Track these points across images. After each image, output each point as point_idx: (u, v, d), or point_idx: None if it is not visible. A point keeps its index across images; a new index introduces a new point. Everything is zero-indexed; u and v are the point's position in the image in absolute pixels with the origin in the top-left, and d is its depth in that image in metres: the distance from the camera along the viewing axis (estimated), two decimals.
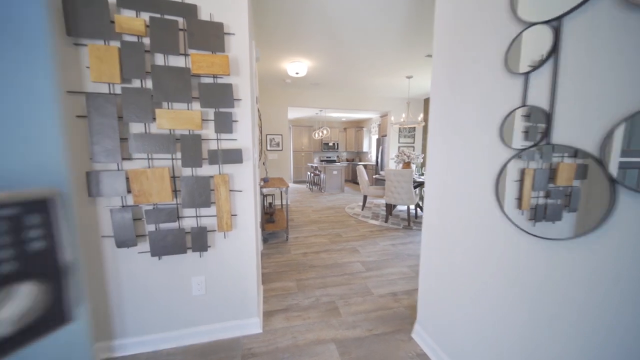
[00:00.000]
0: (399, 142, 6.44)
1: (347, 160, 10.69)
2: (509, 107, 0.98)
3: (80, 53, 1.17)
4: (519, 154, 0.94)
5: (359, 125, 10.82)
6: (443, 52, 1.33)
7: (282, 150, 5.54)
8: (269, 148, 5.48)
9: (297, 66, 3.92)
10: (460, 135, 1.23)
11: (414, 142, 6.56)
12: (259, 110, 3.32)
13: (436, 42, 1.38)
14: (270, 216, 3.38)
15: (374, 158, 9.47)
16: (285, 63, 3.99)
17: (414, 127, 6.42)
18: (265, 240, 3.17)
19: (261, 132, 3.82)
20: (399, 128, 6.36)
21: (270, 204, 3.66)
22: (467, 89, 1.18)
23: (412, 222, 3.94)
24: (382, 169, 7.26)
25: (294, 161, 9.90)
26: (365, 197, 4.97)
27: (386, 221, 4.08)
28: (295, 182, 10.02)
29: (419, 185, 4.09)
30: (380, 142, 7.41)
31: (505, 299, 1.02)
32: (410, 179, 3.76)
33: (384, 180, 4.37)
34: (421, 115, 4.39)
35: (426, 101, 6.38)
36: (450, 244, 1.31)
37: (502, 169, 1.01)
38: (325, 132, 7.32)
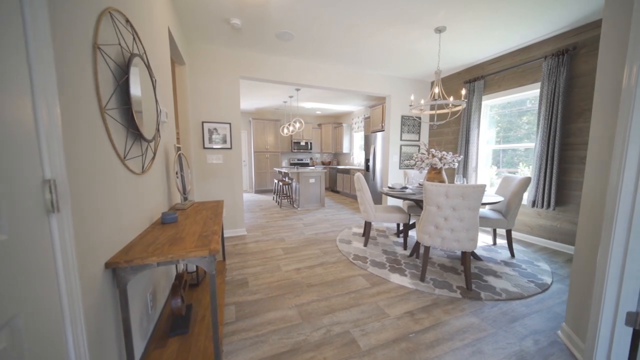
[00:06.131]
0: (401, 140, 4.71)
1: (323, 164, 8.78)
2: None
3: None
4: None
5: (337, 121, 8.98)
6: None
7: (231, 148, 3.42)
8: (206, 145, 3.31)
9: None
10: None
11: (418, 139, 4.88)
12: (148, 66, 1.23)
13: None
14: (175, 322, 1.30)
15: (358, 161, 7.69)
16: None
17: (418, 120, 4.74)
18: None
19: (158, 111, 1.77)
20: (401, 120, 4.62)
21: (181, 277, 1.54)
22: None
23: (470, 279, 2.12)
24: (374, 177, 5.48)
25: (255, 165, 7.70)
26: (368, 225, 3.09)
27: (422, 279, 2.22)
28: (257, 191, 7.82)
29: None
30: (370, 141, 5.63)
31: None
32: (477, 204, 1.95)
33: (408, 199, 2.51)
34: (463, 91, 2.67)
35: (459, 75, 4.75)
36: None
37: None
38: (298, 125, 5.32)
